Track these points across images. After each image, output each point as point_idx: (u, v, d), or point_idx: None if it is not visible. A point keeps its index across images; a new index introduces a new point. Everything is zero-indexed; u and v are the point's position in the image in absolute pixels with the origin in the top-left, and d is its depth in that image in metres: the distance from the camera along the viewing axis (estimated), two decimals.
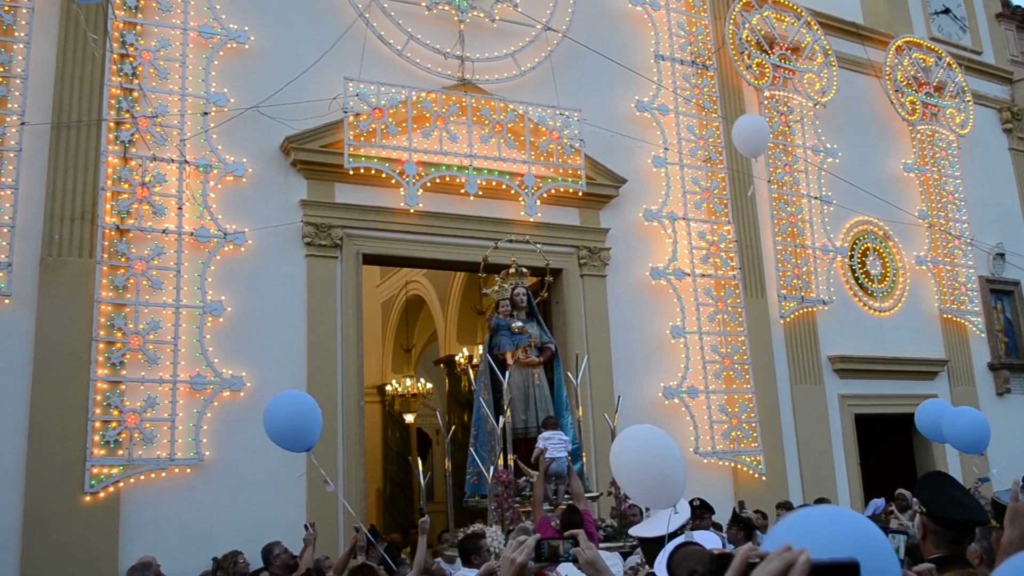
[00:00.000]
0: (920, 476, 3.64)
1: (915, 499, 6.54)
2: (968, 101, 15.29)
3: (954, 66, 15.30)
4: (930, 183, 14.47)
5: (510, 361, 8.78)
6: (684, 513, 4.13)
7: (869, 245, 13.63)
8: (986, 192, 15.27)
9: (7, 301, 8.09)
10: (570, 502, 7.68)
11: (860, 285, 13.37)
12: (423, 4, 10.61)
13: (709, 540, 3.60)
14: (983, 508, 3.41)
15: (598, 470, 9.90)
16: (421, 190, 9.92)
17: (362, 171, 9.69)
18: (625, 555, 6.93)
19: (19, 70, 8.53)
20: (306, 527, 7.46)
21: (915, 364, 13.51)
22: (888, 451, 13.44)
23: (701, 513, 8.14)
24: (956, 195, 14.72)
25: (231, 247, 9.10)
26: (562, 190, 10.74)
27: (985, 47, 16.63)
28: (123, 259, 8.56)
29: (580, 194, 10.86)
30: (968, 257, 14.51)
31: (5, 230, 8.15)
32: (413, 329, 17.73)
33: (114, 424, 8.21)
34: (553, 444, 7.84)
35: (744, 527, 8.17)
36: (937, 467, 13.00)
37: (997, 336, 14.69)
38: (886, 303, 13.54)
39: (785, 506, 10.06)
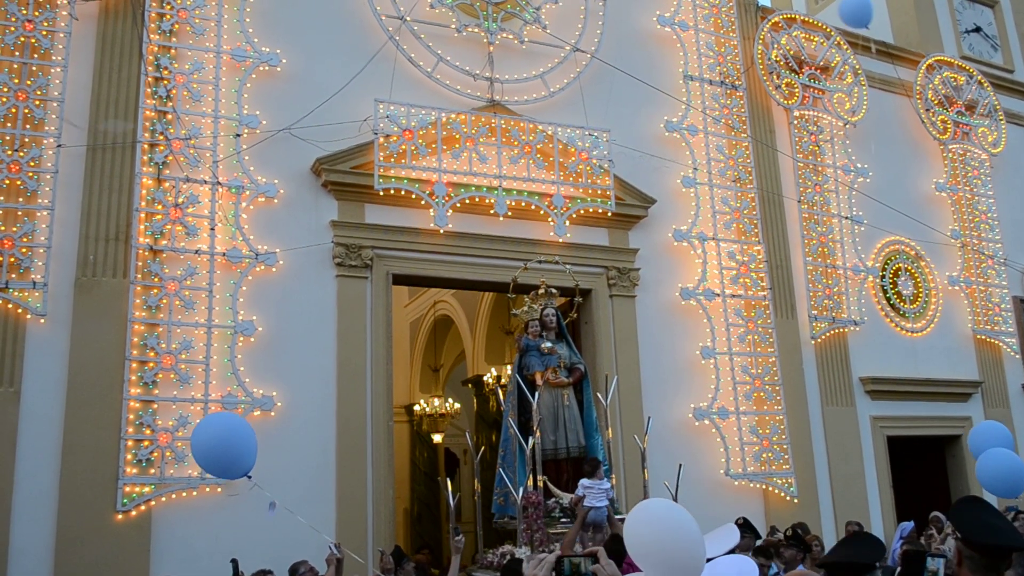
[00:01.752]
0: (955, 501, 3.61)
1: (948, 522, 6.46)
2: (1000, 120, 15.18)
3: (986, 84, 15.20)
4: (962, 202, 14.35)
5: (539, 382, 8.77)
6: (733, 537, 4.08)
7: (901, 265, 13.52)
8: (1019, 211, 15.12)
9: (42, 320, 8.19)
10: (615, 532, 7.61)
11: (892, 305, 13.25)
12: (453, 26, 10.69)
13: (744, 565, 3.56)
14: (1019, 533, 3.38)
15: (628, 492, 9.85)
16: (451, 211, 9.96)
17: (392, 192, 9.74)
18: None
19: (56, 93, 8.65)
20: (330, 547, 7.48)
21: (948, 385, 13.36)
22: (921, 473, 13.29)
23: (743, 533, 8.08)
24: (989, 214, 14.59)
25: (262, 267, 9.17)
26: (591, 210, 10.74)
27: (1017, 65, 16.52)
28: (156, 279, 8.65)
29: (609, 214, 10.86)
30: (1002, 277, 14.35)
31: (41, 250, 8.26)
32: (441, 349, 17.75)
33: (146, 443, 8.27)
34: (593, 494, 7.55)
35: (803, 548, 8.12)
36: (971, 489, 12.84)
37: None
38: (918, 324, 13.41)
39: (800, 526, 9.92)
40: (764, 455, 11.18)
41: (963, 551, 3.36)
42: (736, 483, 10.93)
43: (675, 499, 8.38)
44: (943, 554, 3.42)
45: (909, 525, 10.75)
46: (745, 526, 8.14)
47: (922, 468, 13.35)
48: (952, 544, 3.54)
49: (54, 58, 8.74)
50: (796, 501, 11.20)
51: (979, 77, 15.18)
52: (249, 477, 6.18)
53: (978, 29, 16.33)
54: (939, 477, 13.46)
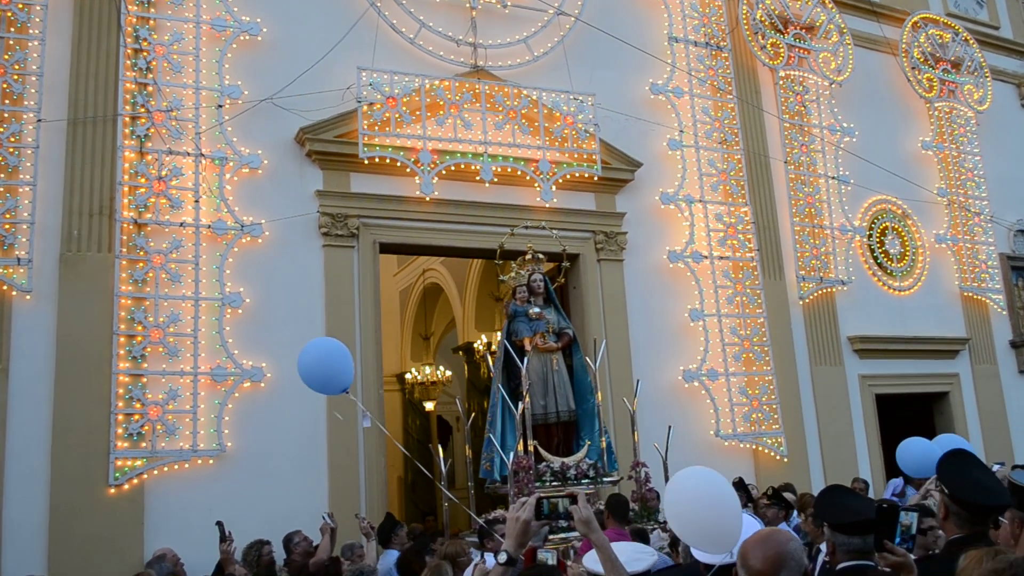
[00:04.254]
0: (942, 455, 3.63)
1: (933, 478, 6.51)
2: (986, 77, 15.14)
3: (971, 42, 15.15)
4: (948, 160, 14.35)
5: (528, 347, 8.79)
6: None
7: (888, 224, 13.54)
8: (1006, 168, 15.12)
9: (28, 297, 8.15)
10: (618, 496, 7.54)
11: (879, 264, 13.28)
12: None
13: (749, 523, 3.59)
14: (1005, 490, 3.41)
15: (618, 454, 9.89)
16: (436, 178, 9.92)
17: (377, 160, 9.70)
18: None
19: (34, 67, 8.57)
20: (324, 517, 7.54)
21: (936, 343, 13.43)
22: (910, 430, 13.33)
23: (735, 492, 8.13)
24: (975, 172, 14.59)
25: (248, 239, 9.13)
26: (577, 175, 10.71)
27: (1003, 22, 16.45)
28: (142, 253, 8.61)
29: (595, 179, 10.83)
30: (988, 234, 14.39)
31: (24, 226, 8.21)
32: (431, 317, 17.77)
33: (137, 417, 8.27)
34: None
35: (784, 506, 8.19)
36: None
37: (1019, 313, 14.57)
38: (906, 282, 13.45)
39: (786, 488, 9.97)
40: (754, 415, 11.25)
41: (949, 507, 3.39)
42: (726, 443, 11.00)
43: (665, 461, 8.45)
44: (915, 508, 3.46)
45: (899, 481, 10.85)
46: (739, 486, 8.21)
47: (910, 425, 13.43)
48: (939, 499, 3.56)
49: (31, 32, 8.64)
50: (786, 460, 11.29)
51: (964, 34, 15.12)
52: (346, 392, 6.31)
53: None
54: (927, 434, 13.37)
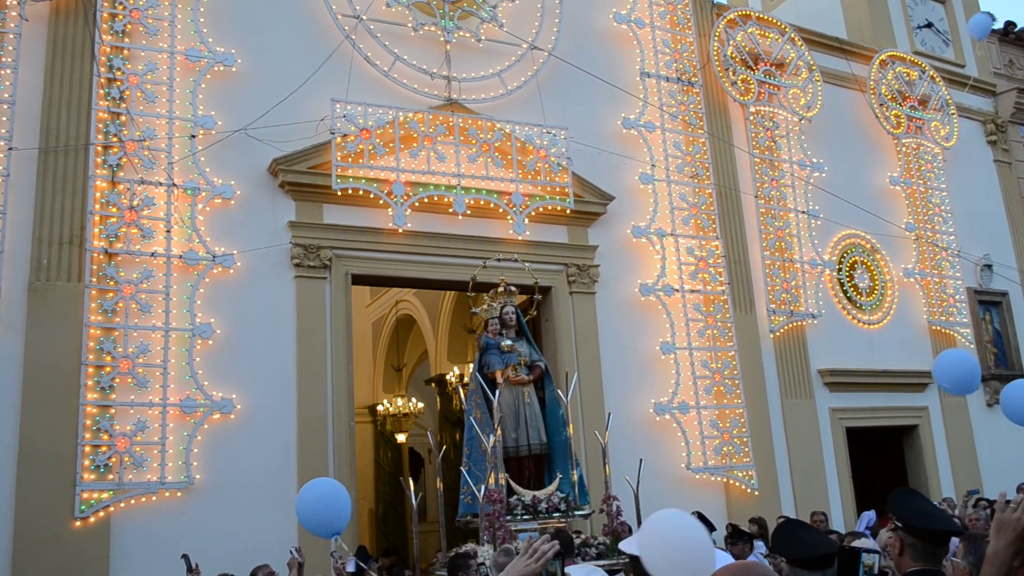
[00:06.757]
0: (892, 493, 3.70)
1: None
2: (952, 114, 15.40)
3: (938, 79, 15.42)
4: (916, 196, 14.54)
5: (500, 380, 8.78)
6: None
7: (857, 258, 13.68)
8: (972, 204, 15.35)
9: None
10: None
11: (849, 298, 13.41)
12: (409, 25, 10.66)
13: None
14: (953, 520, 3.49)
15: (590, 487, 9.88)
16: (409, 210, 9.95)
17: (350, 192, 9.70)
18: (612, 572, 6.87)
19: (6, 95, 8.53)
20: (291, 551, 7.45)
21: (905, 376, 13.54)
22: (880, 463, 13.47)
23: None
24: (942, 207, 14.80)
25: (220, 269, 9.10)
26: (550, 208, 10.77)
27: (968, 60, 16.76)
28: (112, 283, 8.55)
29: (568, 212, 10.89)
30: (956, 269, 14.57)
31: None
32: (404, 348, 17.71)
33: (104, 448, 8.18)
34: None
35: (748, 540, 8.18)
36: (928, 478, 13.09)
37: (986, 347, 14.74)
38: (875, 316, 13.58)
39: (758, 522, 9.99)
40: (725, 448, 11.28)
41: (904, 539, 3.44)
42: (697, 477, 11.01)
43: (636, 494, 8.44)
44: (877, 550, 3.50)
45: (871, 514, 10.88)
46: (699, 519, 8.20)
47: (881, 458, 13.54)
48: (892, 536, 3.61)
49: (4, 60, 8.61)
50: (757, 494, 11.31)
51: (931, 72, 15.39)
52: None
53: (930, 24, 16.55)
54: (897, 466, 13.66)
